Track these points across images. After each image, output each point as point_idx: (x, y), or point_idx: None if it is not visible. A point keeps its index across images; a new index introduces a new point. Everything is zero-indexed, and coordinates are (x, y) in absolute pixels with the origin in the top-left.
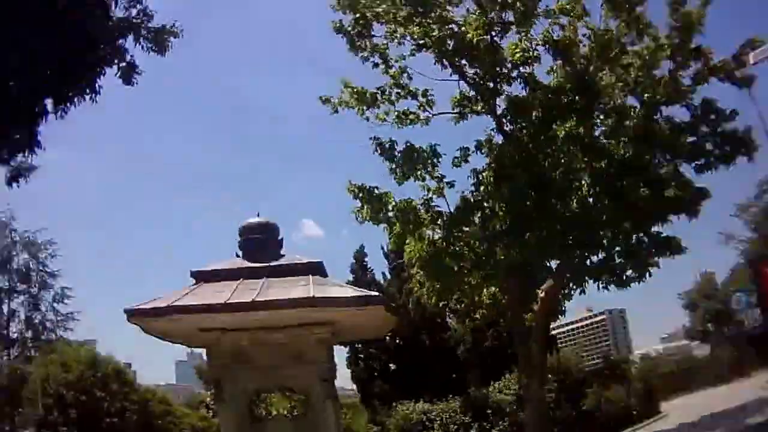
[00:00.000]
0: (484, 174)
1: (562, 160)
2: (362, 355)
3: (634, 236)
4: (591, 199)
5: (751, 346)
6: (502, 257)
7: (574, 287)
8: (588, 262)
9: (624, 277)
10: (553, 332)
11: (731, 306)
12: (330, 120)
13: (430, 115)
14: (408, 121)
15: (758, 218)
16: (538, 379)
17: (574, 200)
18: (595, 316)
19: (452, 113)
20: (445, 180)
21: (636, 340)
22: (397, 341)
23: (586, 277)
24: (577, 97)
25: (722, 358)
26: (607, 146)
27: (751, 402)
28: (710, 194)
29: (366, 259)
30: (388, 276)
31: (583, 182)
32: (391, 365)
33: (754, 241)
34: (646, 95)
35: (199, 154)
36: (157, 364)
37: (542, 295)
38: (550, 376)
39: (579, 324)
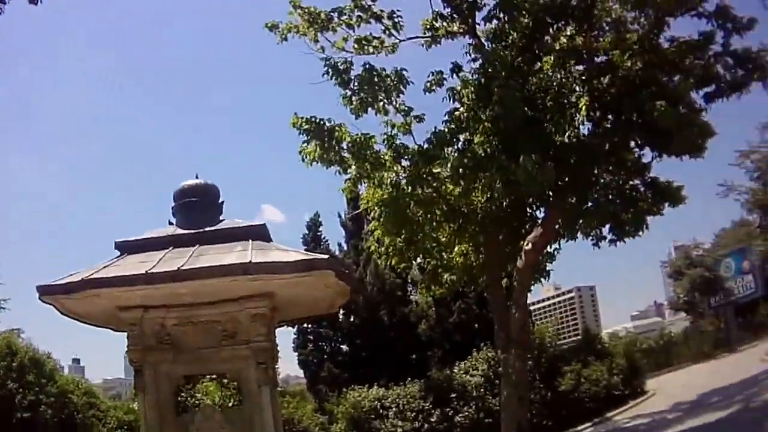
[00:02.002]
0: (464, 92)
1: (556, 79)
2: (311, 336)
3: (630, 180)
4: (589, 126)
5: (740, 317)
6: (483, 200)
7: (566, 236)
8: (582, 207)
9: (622, 227)
10: None
11: (719, 273)
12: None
13: (398, 41)
14: (371, 48)
15: (762, 165)
16: (520, 356)
17: (569, 128)
18: (563, 293)
19: (423, 37)
20: (413, 114)
21: (605, 318)
22: (352, 319)
23: (582, 222)
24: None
25: (707, 331)
26: (609, 60)
27: (759, 374)
28: (715, 132)
29: (321, 229)
30: (345, 247)
31: (581, 105)
32: (343, 347)
33: (756, 190)
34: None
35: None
36: (112, 357)
37: (528, 247)
38: None
39: (547, 302)
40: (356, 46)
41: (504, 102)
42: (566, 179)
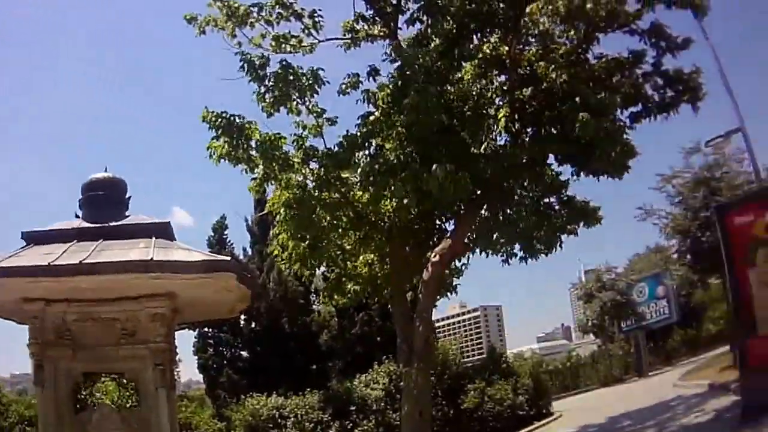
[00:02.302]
0: (380, 95)
1: (476, 89)
2: (211, 341)
3: (545, 197)
4: (507, 138)
5: (651, 342)
6: (391, 209)
7: (478, 250)
8: (494, 221)
9: (534, 244)
10: None
11: (632, 297)
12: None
13: (316, 42)
14: (288, 47)
15: (685, 190)
16: (423, 370)
17: (486, 139)
18: (469, 312)
19: (343, 39)
20: (325, 116)
21: (510, 339)
22: (254, 326)
23: (498, 236)
24: (502, 5)
25: (617, 355)
26: (534, 71)
27: (670, 400)
28: (638, 153)
29: (227, 233)
30: (249, 252)
31: (501, 116)
32: (243, 353)
33: (677, 215)
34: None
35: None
36: (22, 352)
37: (435, 258)
38: None
39: (452, 320)
40: (273, 43)
41: (419, 107)
42: (479, 192)
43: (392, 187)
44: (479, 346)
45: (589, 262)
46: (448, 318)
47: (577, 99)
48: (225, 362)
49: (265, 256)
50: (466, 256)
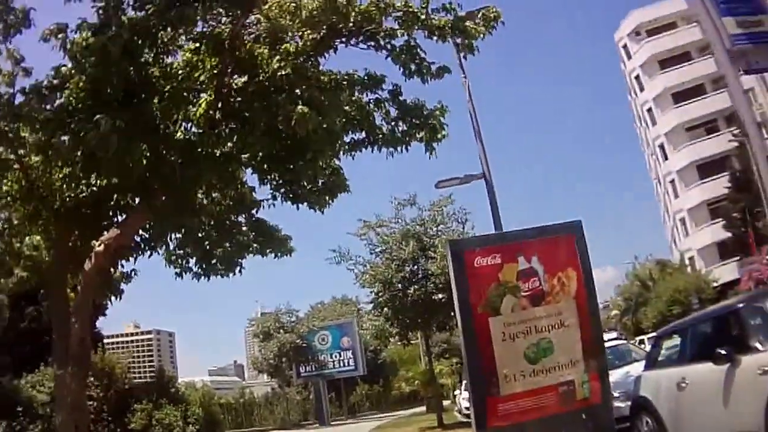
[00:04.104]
0: (76, 40)
1: (183, 69)
2: None
3: (234, 213)
4: (204, 128)
5: (333, 392)
6: (63, 181)
7: (148, 248)
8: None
9: (211, 260)
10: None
11: (313, 343)
12: None
13: None
14: None
15: (391, 240)
16: (77, 375)
17: (181, 124)
18: (143, 333)
19: None
20: (23, 65)
21: (182, 368)
22: None
23: (174, 237)
24: None
25: (294, 399)
26: (255, 57)
27: None
28: (348, 188)
29: None
30: None
31: (203, 101)
32: None
33: (376, 264)
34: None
35: None
36: None
37: (99, 248)
38: (92, 379)
39: (125, 338)
40: None
41: (103, 52)
42: (156, 186)
43: (61, 142)
44: (151, 369)
45: (269, 304)
46: (121, 336)
47: (298, 92)
48: None
49: None
50: (136, 257)
